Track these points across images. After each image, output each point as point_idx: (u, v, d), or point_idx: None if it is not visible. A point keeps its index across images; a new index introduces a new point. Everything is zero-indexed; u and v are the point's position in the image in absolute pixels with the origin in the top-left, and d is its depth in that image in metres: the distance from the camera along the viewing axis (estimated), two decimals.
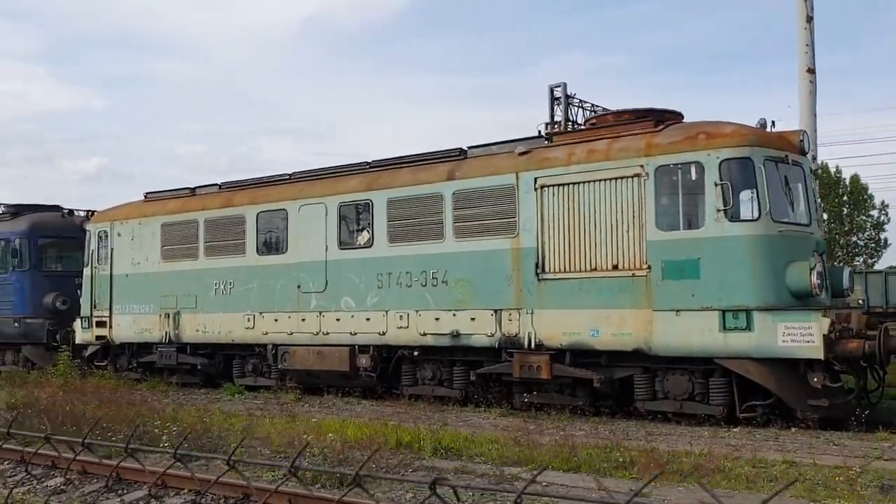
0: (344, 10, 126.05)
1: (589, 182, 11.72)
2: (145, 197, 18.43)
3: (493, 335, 12.48)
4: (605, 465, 8.24)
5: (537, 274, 12.09)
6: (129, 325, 17.64)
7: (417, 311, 13.31)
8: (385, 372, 14.05)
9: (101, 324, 18.18)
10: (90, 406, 12.36)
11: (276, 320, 15.22)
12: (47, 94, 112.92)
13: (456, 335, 12.85)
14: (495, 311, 12.46)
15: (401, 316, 13.50)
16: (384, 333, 13.72)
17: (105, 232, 18.31)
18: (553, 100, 30.96)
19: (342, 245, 14.40)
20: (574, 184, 11.87)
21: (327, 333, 14.50)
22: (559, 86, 30.63)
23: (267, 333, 15.35)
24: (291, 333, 14.99)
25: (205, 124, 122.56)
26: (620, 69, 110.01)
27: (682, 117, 12.31)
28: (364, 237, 14.15)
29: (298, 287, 14.92)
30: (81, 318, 18.57)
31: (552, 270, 11.98)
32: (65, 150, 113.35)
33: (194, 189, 17.46)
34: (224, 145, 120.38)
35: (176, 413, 11.93)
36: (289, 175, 15.97)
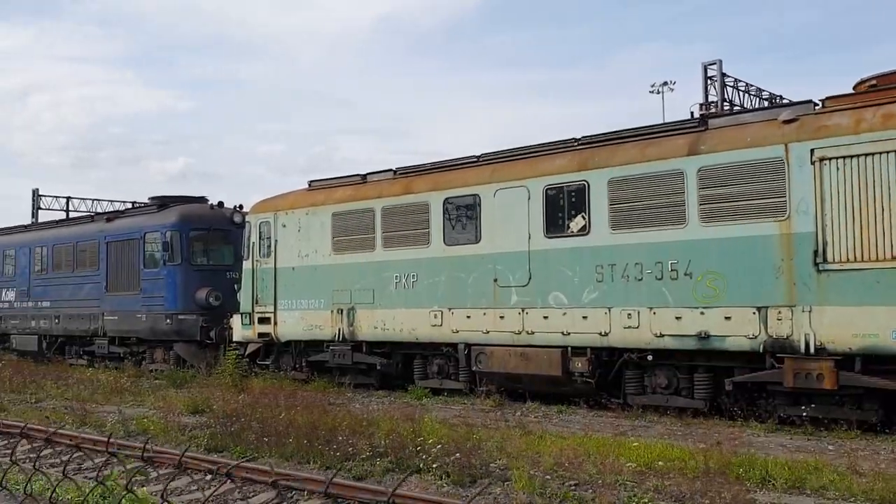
0: (418, 7, 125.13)
1: (890, 153, 9.64)
2: (309, 185, 17.20)
3: (754, 337, 10.54)
4: None
5: (817, 264, 10.09)
6: (297, 322, 16.43)
7: (651, 308, 11.49)
8: (604, 378, 12.30)
9: (264, 320, 17.05)
10: (280, 410, 11.06)
11: (468, 317, 13.66)
12: (136, 98, 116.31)
13: (704, 337, 10.97)
14: (758, 308, 10.52)
15: (629, 314, 11.71)
16: (606, 334, 11.96)
17: (268, 223, 17.17)
18: (706, 78, 28.49)
19: (550, 233, 12.71)
20: (867, 155, 9.81)
21: (532, 333, 12.84)
22: (713, 63, 28.21)
23: (458, 332, 13.82)
24: (487, 332, 13.40)
25: (283, 124, 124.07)
26: (697, 59, 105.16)
27: None
28: (578, 223, 12.41)
29: (495, 280, 13.32)
30: (242, 314, 17.49)
31: (838, 260, 9.96)
32: (152, 151, 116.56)
33: (365, 176, 16.09)
34: (301, 145, 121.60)
35: (389, 421, 10.46)
36: (476, 157, 14.38)
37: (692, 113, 26.57)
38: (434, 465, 7.71)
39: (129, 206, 39.78)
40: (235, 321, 17.76)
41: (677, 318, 11.25)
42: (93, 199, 50.84)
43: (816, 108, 10.69)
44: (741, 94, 29.17)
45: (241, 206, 20.92)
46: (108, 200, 50.25)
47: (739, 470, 7.55)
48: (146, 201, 21.88)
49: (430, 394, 14.31)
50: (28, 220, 42.62)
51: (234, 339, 17.87)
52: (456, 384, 14.27)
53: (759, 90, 29.81)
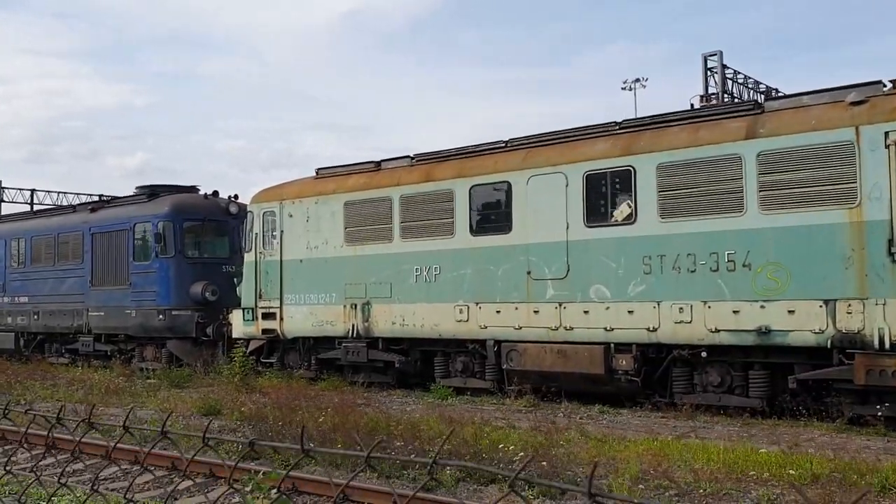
0: (385, 3, 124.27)
1: None
2: (317, 173, 16.25)
3: (821, 332, 9.91)
4: None
5: (892, 254, 9.49)
6: (305, 318, 15.49)
7: (705, 302, 10.82)
8: (649, 376, 11.61)
9: (268, 316, 16.07)
10: (313, 413, 10.18)
11: (497, 312, 12.87)
12: (94, 92, 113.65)
13: (765, 332, 10.31)
14: (825, 301, 9.89)
15: (680, 308, 11.02)
16: (655, 329, 11.26)
17: (272, 213, 16.18)
18: (706, 70, 28.01)
19: (591, 222, 11.97)
20: None
21: (570, 328, 12.10)
22: (714, 54, 27.75)
23: (486, 327, 13.02)
24: (519, 328, 12.63)
25: (245, 120, 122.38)
26: (667, 57, 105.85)
27: None
28: (623, 212, 11.68)
29: (528, 273, 12.54)
30: (244, 309, 16.48)
31: None
32: (110, 146, 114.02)
33: (379, 163, 15.20)
34: (264, 141, 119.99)
35: (434, 423, 9.63)
36: (504, 142, 13.59)
37: (692, 105, 26.07)
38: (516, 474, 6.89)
39: (97, 199, 38.19)
40: (236, 317, 16.75)
41: (734, 311, 10.59)
42: (58, 192, 49.00)
43: (885, 88, 10.09)
44: (738, 86, 28.78)
45: (236, 196, 19.89)
46: (74, 193, 48.39)
47: (854, 477, 6.87)
48: (133, 192, 20.62)
49: (453, 393, 13.50)
50: None
51: (234, 335, 16.86)
52: (482, 383, 13.47)
53: (757, 83, 29.46)
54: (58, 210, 24.11)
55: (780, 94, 11.17)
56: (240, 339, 16.69)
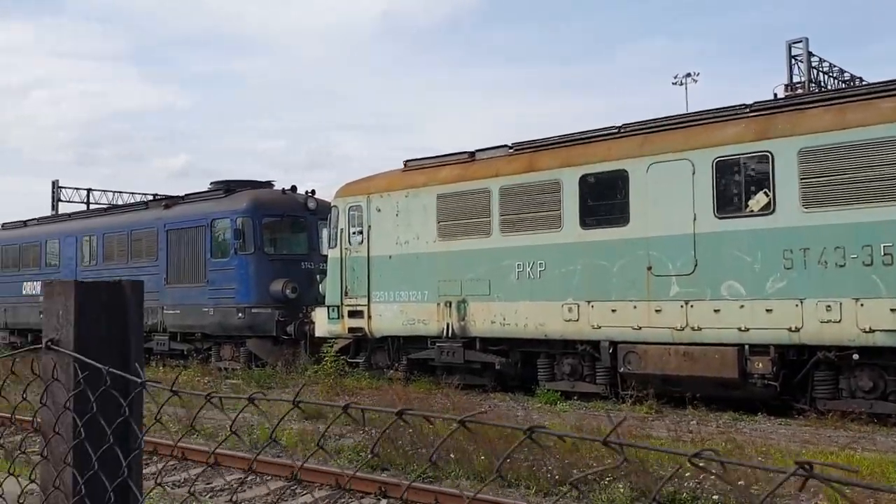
0: (419, 3, 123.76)
1: None
2: (405, 165, 15.54)
3: None
4: None
5: None
6: (395, 316, 14.77)
7: (857, 299, 9.81)
8: (788, 379, 10.63)
9: (355, 314, 15.39)
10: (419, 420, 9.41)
11: (613, 311, 12.00)
12: (136, 94, 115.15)
13: None
14: None
15: (827, 306, 10.03)
16: (797, 329, 10.28)
17: (358, 207, 15.51)
18: (791, 58, 26.70)
19: (722, 213, 11.03)
20: None
21: (698, 329, 11.17)
22: (799, 41, 26.40)
23: (599, 327, 12.15)
24: (638, 328, 11.73)
25: (282, 121, 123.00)
26: (700, 56, 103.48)
27: None
28: (759, 202, 10.72)
29: (649, 268, 11.65)
30: (328, 307, 15.84)
31: None
32: (154, 147, 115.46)
33: (473, 153, 14.42)
34: (301, 141, 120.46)
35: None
36: (617, 128, 12.70)
37: (775, 94, 24.85)
38: (714, 497, 6.04)
39: (151, 198, 38.06)
40: (320, 315, 16.12)
41: (892, 310, 9.57)
42: (113, 192, 49.23)
43: None
44: (824, 75, 27.42)
45: (313, 192, 19.30)
46: (129, 192, 48.56)
47: None
48: (208, 188, 20.14)
49: (561, 397, 12.66)
50: (18, 217, 41.03)
51: (318, 334, 16.24)
52: (592, 387, 12.60)
53: (842, 70, 28.06)
54: (130, 207, 23.79)
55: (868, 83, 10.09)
56: (323, 337, 16.09)
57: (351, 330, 15.49)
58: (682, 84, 47.75)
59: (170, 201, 20.49)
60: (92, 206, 43.75)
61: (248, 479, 8.14)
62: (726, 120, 11.36)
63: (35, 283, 24.00)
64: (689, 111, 12.08)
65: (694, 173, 11.26)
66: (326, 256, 18.17)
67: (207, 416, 11.65)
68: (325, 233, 19.15)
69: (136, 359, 1.83)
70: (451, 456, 7.55)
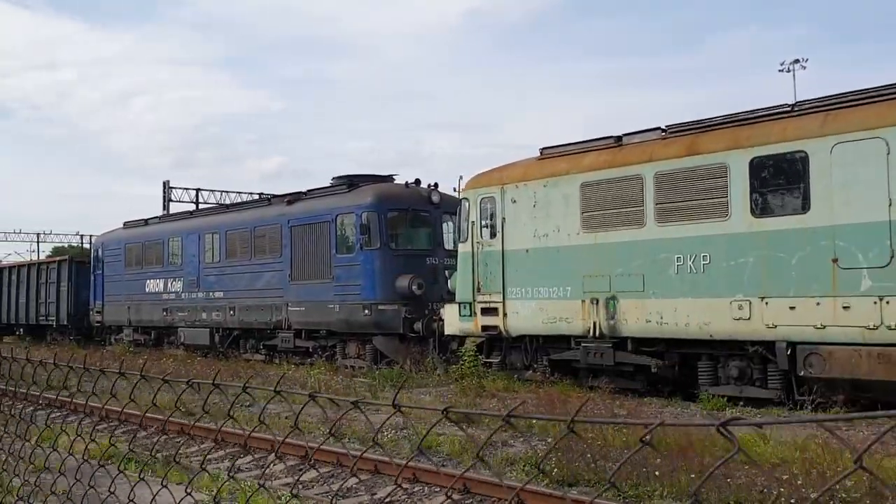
0: (503, 1, 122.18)
1: None
2: (541, 153, 14.66)
3: None
4: None
5: None
6: (533, 314, 13.92)
7: None
8: None
9: (489, 311, 14.62)
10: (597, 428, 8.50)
11: (791, 308, 10.77)
12: (232, 98, 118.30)
13: None
14: None
15: None
16: None
17: (491, 198, 14.72)
18: None
19: None
20: None
21: (895, 328, 9.84)
22: None
23: (774, 326, 10.94)
24: (822, 327, 10.47)
25: (370, 122, 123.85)
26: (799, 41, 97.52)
27: None
28: None
29: (834, 261, 10.37)
30: (460, 304, 15.13)
31: None
32: (247, 150, 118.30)
33: (620, 137, 13.40)
34: (389, 141, 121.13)
35: (773, 452, 7.72)
36: (790, 106, 11.45)
37: None
38: None
39: (257, 198, 38.40)
40: (450, 312, 15.43)
41: None
42: (221, 192, 50.29)
43: None
44: None
45: (436, 185, 18.70)
46: (236, 192, 49.50)
47: None
48: (330, 183, 19.80)
49: (727, 403, 11.50)
50: (133, 217, 42.11)
51: (448, 332, 15.57)
52: (763, 392, 11.40)
53: None
54: (252, 203, 23.79)
55: None
56: (453, 335, 15.42)
57: (484, 328, 14.72)
58: (789, 71, 44.99)
59: (293, 197, 20.25)
60: (201, 206, 44.87)
61: (416, 489, 7.47)
62: None
63: (158, 280, 24.37)
64: (800, 98, 10.71)
65: (888, 153, 9.93)
66: (450, 252, 17.54)
67: (351, 417, 11.11)
68: (446, 227, 18.54)
69: None
70: (656, 474, 6.62)
